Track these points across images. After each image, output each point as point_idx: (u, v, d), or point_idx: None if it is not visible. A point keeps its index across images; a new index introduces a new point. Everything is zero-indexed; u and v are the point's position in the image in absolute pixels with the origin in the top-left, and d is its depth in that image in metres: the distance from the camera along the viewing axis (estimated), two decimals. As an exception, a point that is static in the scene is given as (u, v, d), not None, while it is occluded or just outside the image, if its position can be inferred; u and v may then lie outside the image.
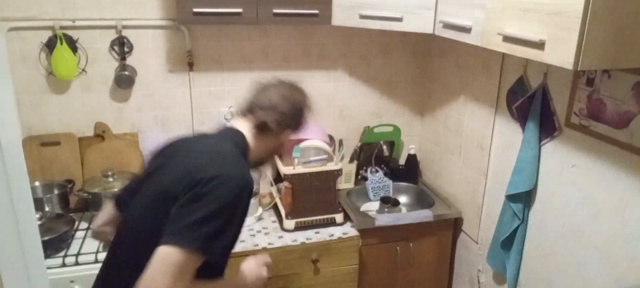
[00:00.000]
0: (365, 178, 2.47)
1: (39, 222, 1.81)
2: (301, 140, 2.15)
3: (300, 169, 2.08)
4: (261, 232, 2.12)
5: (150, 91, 2.22)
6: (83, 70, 2.12)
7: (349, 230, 2.15)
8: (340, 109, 2.51)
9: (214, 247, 1.13)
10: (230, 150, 1.29)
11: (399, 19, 1.90)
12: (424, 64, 2.54)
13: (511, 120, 1.91)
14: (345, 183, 2.48)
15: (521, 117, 1.84)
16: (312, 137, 2.19)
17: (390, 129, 2.53)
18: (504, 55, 1.92)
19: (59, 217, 1.97)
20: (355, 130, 2.54)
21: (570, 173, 1.63)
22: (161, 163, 1.31)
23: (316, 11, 2.02)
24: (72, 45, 2.07)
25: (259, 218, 2.22)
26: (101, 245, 1.83)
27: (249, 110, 1.41)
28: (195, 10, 1.89)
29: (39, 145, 2.11)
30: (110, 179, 2.09)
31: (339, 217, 2.17)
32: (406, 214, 2.26)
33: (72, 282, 1.79)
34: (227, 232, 1.16)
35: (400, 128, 2.55)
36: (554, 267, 1.74)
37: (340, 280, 2.15)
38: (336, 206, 2.18)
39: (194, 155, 1.26)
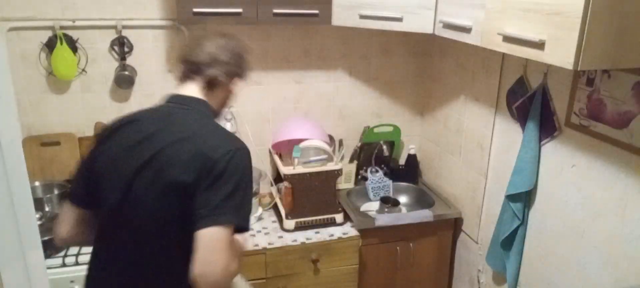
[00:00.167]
0: (365, 178, 2.47)
1: (39, 222, 1.81)
2: (301, 140, 2.15)
3: (300, 169, 2.08)
4: (261, 232, 2.12)
5: (150, 91, 2.22)
6: (83, 70, 2.12)
7: (349, 230, 2.15)
8: (340, 109, 2.51)
9: (243, 215, 1.23)
10: (213, 123, 1.34)
11: (399, 19, 1.90)
12: (424, 64, 2.54)
13: (511, 120, 1.91)
14: (345, 183, 2.48)
15: (521, 117, 1.84)
16: (312, 137, 2.20)
17: (390, 128, 2.53)
18: (504, 55, 1.92)
19: (59, 217, 1.97)
20: (355, 130, 2.54)
21: (570, 173, 1.63)
22: (148, 153, 1.22)
23: (316, 11, 2.02)
24: (72, 45, 2.07)
25: (259, 218, 2.22)
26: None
27: (193, 71, 1.36)
28: (195, 10, 1.89)
29: (39, 145, 2.11)
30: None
31: (339, 217, 2.17)
32: (406, 214, 2.26)
33: (72, 282, 1.79)
34: (249, 198, 1.28)
35: (400, 128, 2.55)
36: (554, 267, 1.74)
37: (340, 280, 2.15)
38: (336, 206, 2.18)
39: (194, 138, 1.24)
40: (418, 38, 2.47)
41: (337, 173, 2.13)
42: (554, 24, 1.24)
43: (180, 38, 2.18)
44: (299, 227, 2.13)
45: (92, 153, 1.33)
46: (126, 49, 2.13)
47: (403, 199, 2.46)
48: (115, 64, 2.15)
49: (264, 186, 2.40)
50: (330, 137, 2.44)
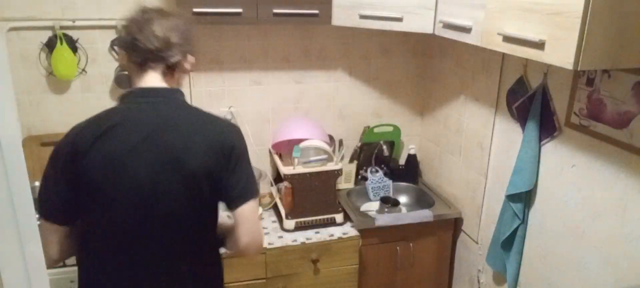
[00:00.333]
0: (365, 178, 2.47)
1: (38, 222, 1.81)
2: (301, 140, 2.15)
3: (300, 169, 2.08)
4: (261, 232, 2.12)
5: (150, 91, 2.22)
6: (83, 70, 2.12)
7: (349, 230, 2.15)
8: (340, 109, 2.51)
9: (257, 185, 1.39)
10: (195, 108, 1.37)
11: (399, 19, 1.90)
12: (424, 64, 2.54)
13: (511, 120, 1.91)
14: (345, 183, 2.48)
15: (521, 117, 1.84)
16: (312, 137, 2.20)
17: (390, 129, 2.53)
18: (504, 55, 1.92)
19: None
20: (355, 130, 2.54)
21: (570, 173, 1.63)
22: (159, 149, 1.24)
23: (316, 11, 2.02)
24: (72, 45, 2.07)
25: (259, 218, 2.22)
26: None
27: (151, 59, 1.30)
28: (195, 10, 1.89)
29: (39, 145, 2.11)
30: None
31: (339, 217, 2.17)
32: (406, 214, 2.26)
33: (72, 282, 1.79)
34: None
35: (400, 128, 2.55)
36: (554, 267, 1.74)
37: (340, 280, 2.15)
38: (336, 206, 2.18)
39: (198, 128, 1.30)
40: (418, 38, 2.47)
41: (337, 173, 2.13)
42: (554, 24, 1.24)
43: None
44: (299, 227, 2.13)
45: (72, 167, 1.23)
46: (126, 49, 2.13)
47: (403, 199, 2.46)
48: (115, 64, 2.15)
49: (264, 186, 2.40)
50: (330, 137, 2.44)
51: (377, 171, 2.47)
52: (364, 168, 2.51)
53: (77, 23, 2.05)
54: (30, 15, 2.00)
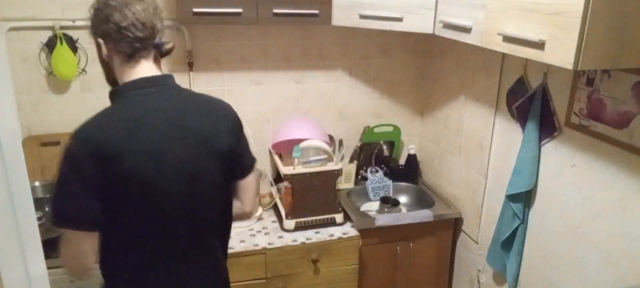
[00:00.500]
0: (365, 178, 2.47)
1: (39, 222, 1.81)
2: (301, 140, 2.15)
3: (300, 169, 2.08)
4: (261, 232, 2.12)
5: (150, 91, 2.22)
6: (83, 70, 2.12)
7: (349, 230, 2.15)
8: (340, 109, 2.51)
9: None
10: (194, 91, 1.40)
11: (399, 19, 1.90)
12: (424, 64, 2.54)
13: (511, 120, 1.91)
14: (345, 183, 2.48)
15: (521, 117, 1.84)
16: (312, 137, 2.20)
17: (390, 129, 2.53)
18: (504, 55, 1.92)
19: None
20: (355, 130, 2.54)
21: (570, 173, 1.63)
22: (191, 135, 1.26)
23: (316, 11, 2.02)
24: (72, 45, 2.07)
25: (259, 218, 2.22)
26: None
27: (143, 48, 1.26)
28: (195, 10, 1.89)
29: (39, 145, 2.11)
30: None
31: (339, 217, 2.17)
32: (406, 214, 2.26)
33: (72, 282, 1.79)
34: None
35: (400, 128, 2.55)
36: (554, 267, 1.74)
37: (340, 280, 2.15)
38: (336, 206, 2.18)
39: (218, 111, 1.36)
40: (418, 38, 2.47)
41: (337, 173, 2.13)
42: (554, 24, 1.24)
43: (180, 38, 2.18)
44: (299, 227, 2.13)
45: (104, 171, 1.17)
46: (126, 49, 2.13)
47: (403, 199, 2.46)
48: (115, 64, 2.15)
49: (264, 186, 2.40)
50: (330, 137, 2.44)
51: (377, 171, 2.47)
52: (364, 168, 2.51)
53: (77, 23, 2.05)
54: (30, 15, 2.00)
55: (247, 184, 1.44)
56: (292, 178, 2.08)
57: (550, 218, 1.74)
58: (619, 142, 1.43)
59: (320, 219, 2.15)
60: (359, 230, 2.14)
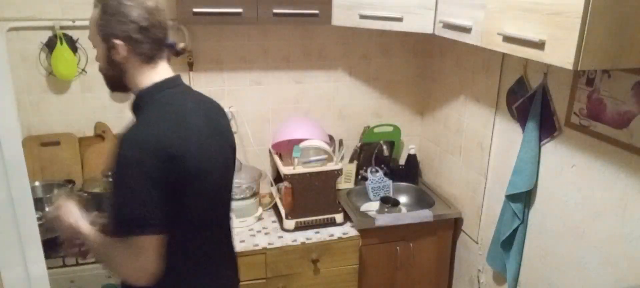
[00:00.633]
0: (365, 178, 2.47)
1: (39, 222, 1.81)
2: (301, 140, 2.15)
3: (300, 169, 2.08)
4: (261, 232, 2.12)
5: (150, 91, 2.22)
6: (83, 70, 2.12)
7: (349, 230, 2.15)
8: (340, 109, 2.51)
9: None
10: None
11: (399, 19, 1.90)
12: (424, 64, 2.54)
13: (511, 120, 1.91)
14: (345, 183, 2.48)
15: (521, 117, 1.84)
16: (312, 137, 2.20)
17: (390, 129, 2.53)
18: (504, 55, 1.92)
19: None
20: (355, 130, 2.54)
21: (570, 173, 1.63)
22: (219, 130, 1.35)
23: (316, 11, 2.02)
24: (72, 45, 2.07)
25: (259, 218, 2.22)
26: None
27: (160, 49, 1.24)
28: (195, 10, 1.89)
29: (39, 145, 2.11)
30: (111, 179, 2.08)
31: (339, 217, 2.17)
32: (406, 214, 2.26)
33: (72, 282, 1.79)
34: None
35: (400, 128, 2.55)
36: (554, 267, 1.74)
37: (340, 280, 2.15)
38: (336, 206, 2.18)
39: (220, 110, 1.43)
40: (418, 38, 2.47)
41: (337, 173, 2.13)
42: (554, 24, 1.24)
43: (180, 38, 2.18)
44: (299, 227, 2.13)
45: (171, 171, 1.14)
46: (126, 49, 2.13)
47: (403, 199, 2.46)
48: (115, 64, 2.15)
49: (264, 186, 2.40)
50: (330, 137, 2.44)
51: (377, 171, 2.47)
52: (364, 168, 2.51)
53: (77, 23, 2.05)
54: (30, 15, 2.00)
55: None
56: (292, 178, 2.08)
57: (550, 218, 1.74)
58: (619, 142, 1.43)
59: (320, 219, 2.15)
60: (359, 230, 2.14)
